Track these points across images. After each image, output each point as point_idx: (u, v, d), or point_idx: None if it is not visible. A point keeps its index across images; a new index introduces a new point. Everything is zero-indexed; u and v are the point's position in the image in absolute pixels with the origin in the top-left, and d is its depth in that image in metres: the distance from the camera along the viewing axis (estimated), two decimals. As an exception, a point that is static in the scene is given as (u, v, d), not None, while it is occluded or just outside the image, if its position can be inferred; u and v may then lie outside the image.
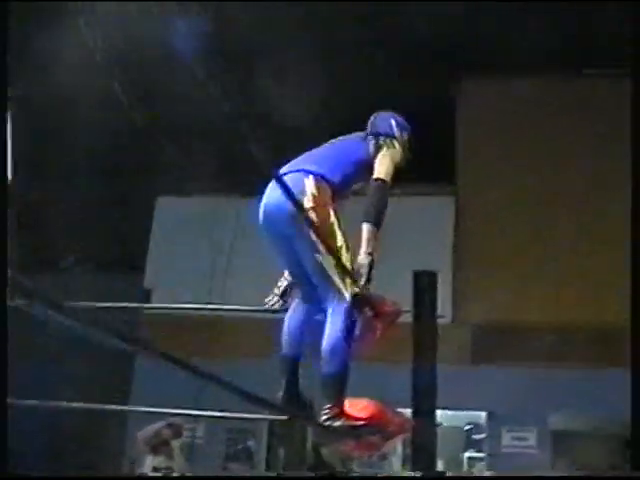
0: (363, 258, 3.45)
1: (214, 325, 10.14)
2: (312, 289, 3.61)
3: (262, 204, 3.64)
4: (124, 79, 9.41)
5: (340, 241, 3.46)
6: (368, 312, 3.49)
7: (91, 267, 11.76)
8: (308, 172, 3.61)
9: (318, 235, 3.28)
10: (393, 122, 4.00)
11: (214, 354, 9.85)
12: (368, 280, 3.43)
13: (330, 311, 3.45)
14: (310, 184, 3.56)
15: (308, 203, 3.46)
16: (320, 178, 3.60)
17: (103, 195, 11.13)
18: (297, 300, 3.81)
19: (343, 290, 3.42)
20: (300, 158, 3.79)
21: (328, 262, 3.41)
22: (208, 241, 10.43)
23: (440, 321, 10.05)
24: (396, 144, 3.88)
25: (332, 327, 3.43)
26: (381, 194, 3.62)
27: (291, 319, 3.79)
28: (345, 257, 3.45)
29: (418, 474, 4.69)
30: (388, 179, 3.66)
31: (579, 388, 9.64)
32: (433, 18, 9.21)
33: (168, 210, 11.55)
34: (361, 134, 3.98)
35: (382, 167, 3.70)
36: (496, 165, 10.68)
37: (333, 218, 3.50)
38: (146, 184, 10.84)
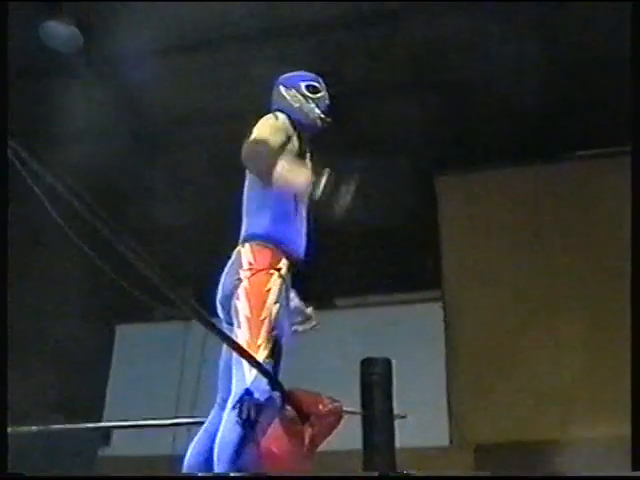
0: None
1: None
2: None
3: None
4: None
5: (265, 314, 2.73)
6: (289, 411, 2.54)
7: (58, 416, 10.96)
8: (245, 240, 3.08)
9: (248, 305, 2.76)
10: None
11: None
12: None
13: (230, 399, 2.62)
14: (246, 252, 3.01)
15: (244, 273, 2.90)
16: (258, 241, 3.01)
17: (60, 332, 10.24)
18: (208, 421, 3.07)
19: (245, 374, 2.56)
20: (243, 221, 3.19)
21: (242, 337, 2.70)
22: (172, 371, 9.54)
23: (438, 444, 9.09)
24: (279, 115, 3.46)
25: (226, 421, 2.58)
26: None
27: (194, 448, 3.03)
28: (263, 335, 2.69)
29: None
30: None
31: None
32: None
33: (128, 339, 10.58)
34: None
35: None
36: (485, 265, 9.78)
37: (271, 284, 2.83)
38: (103, 312, 10.00)
